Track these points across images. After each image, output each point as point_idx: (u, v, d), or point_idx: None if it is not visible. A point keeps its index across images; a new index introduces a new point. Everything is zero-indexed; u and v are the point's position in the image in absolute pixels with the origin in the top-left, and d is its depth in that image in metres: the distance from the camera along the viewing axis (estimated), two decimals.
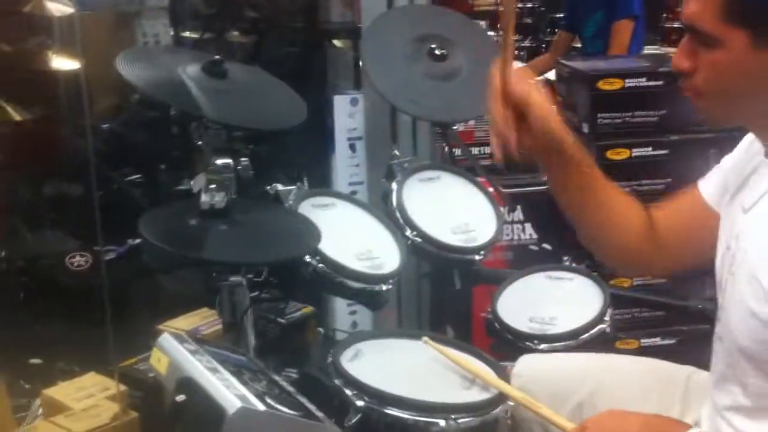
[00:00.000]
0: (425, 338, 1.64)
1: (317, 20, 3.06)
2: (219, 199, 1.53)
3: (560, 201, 1.39)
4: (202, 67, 1.65)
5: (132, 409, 1.64)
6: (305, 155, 2.64)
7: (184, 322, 1.81)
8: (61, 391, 1.77)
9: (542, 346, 1.84)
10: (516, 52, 4.60)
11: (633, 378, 1.46)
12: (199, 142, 1.66)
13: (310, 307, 2.01)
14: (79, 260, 2.34)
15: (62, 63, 2.56)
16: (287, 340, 1.90)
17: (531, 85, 1.29)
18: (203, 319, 1.76)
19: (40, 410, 1.80)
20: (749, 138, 1.27)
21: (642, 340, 2.44)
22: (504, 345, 1.92)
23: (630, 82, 2.55)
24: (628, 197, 1.43)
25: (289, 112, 1.75)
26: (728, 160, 1.34)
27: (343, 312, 2.45)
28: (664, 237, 1.39)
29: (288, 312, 1.94)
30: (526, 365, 1.54)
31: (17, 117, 2.48)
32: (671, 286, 2.41)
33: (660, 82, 2.55)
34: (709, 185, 1.36)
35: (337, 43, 3.02)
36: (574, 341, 1.85)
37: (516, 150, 1.25)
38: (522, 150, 1.26)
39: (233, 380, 1.26)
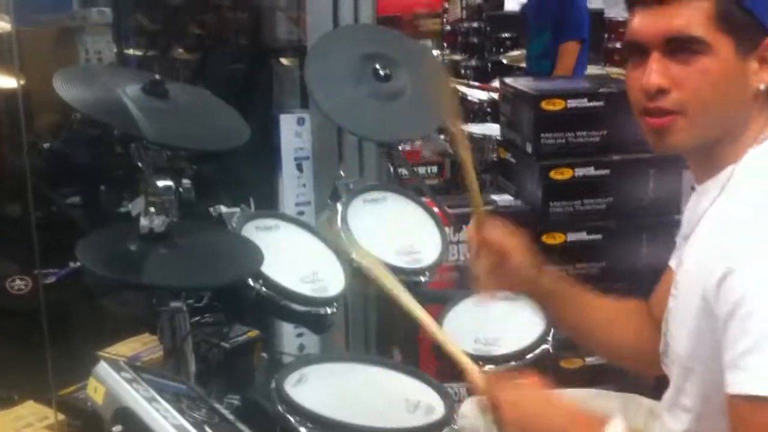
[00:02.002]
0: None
1: (264, 38, 3.05)
2: (158, 222, 1.50)
3: (559, 326, 1.55)
4: (142, 87, 1.62)
5: None
6: (251, 175, 2.62)
7: (125, 347, 1.77)
8: None
9: (487, 368, 1.85)
10: (463, 71, 4.67)
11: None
12: (140, 164, 1.63)
13: (255, 331, 1.99)
14: (19, 284, 2.27)
15: (1, 81, 2.50)
16: (231, 365, 1.87)
17: (505, 233, 1.39)
18: (144, 345, 1.73)
19: None
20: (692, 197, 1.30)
21: (586, 359, 2.47)
22: (450, 367, 1.93)
23: (572, 103, 2.60)
24: (621, 304, 1.47)
25: (231, 133, 1.73)
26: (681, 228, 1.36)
27: (290, 335, 2.43)
28: (659, 321, 1.38)
29: (232, 336, 1.91)
30: (470, 407, 1.55)
31: None
32: None
33: (601, 103, 2.60)
34: (673, 257, 1.37)
35: (283, 61, 3.01)
36: (519, 361, 1.86)
37: (496, 288, 1.40)
38: (508, 290, 1.42)
39: (171, 409, 1.24)
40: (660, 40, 1.12)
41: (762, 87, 1.13)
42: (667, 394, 1.27)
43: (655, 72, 1.12)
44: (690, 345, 1.14)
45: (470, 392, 1.28)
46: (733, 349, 1.02)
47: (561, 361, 2.36)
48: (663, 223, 2.48)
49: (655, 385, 1.39)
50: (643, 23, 1.14)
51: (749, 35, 1.11)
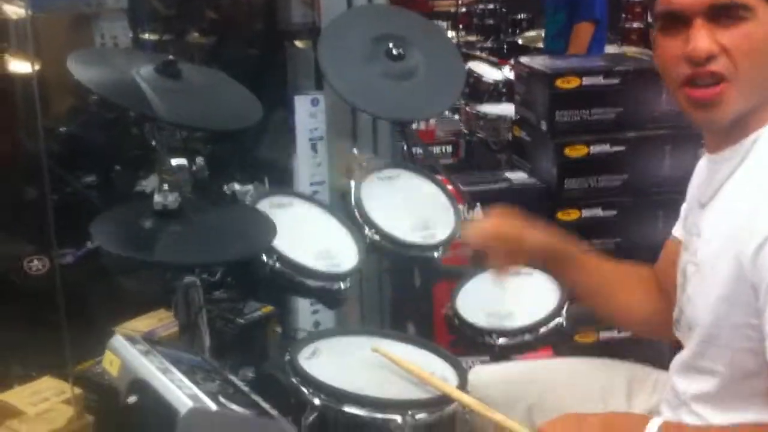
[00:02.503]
0: (374, 347, 1.64)
1: (278, 21, 3.05)
2: (172, 199, 1.52)
3: (572, 291, 1.60)
4: (155, 68, 1.63)
5: (88, 412, 1.63)
6: (267, 155, 2.64)
7: (141, 323, 1.80)
8: (15, 396, 1.75)
9: (501, 340, 1.85)
10: (478, 52, 4.65)
11: (579, 378, 1.50)
12: (154, 143, 1.65)
13: (270, 307, 2.01)
14: (36, 264, 2.31)
15: (18, 66, 2.53)
16: (245, 340, 1.89)
17: (499, 220, 1.48)
18: (160, 321, 1.75)
19: None
20: (697, 169, 1.32)
21: (600, 333, 2.48)
22: (464, 341, 1.94)
23: (587, 81, 2.59)
24: (631, 269, 1.51)
25: (244, 112, 1.74)
26: (686, 199, 1.37)
27: (305, 311, 2.45)
28: (667, 292, 1.41)
29: (247, 312, 1.93)
30: (478, 374, 1.58)
31: None
32: None
33: (616, 80, 2.59)
34: (677, 226, 1.40)
35: (298, 43, 3.02)
36: (532, 335, 1.87)
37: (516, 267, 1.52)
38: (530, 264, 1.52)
39: (185, 380, 1.26)
40: (704, 6, 1.11)
41: None
42: (680, 358, 1.27)
43: (700, 40, 1.10)
44: (717, 312, 1.14)
45: None
46: None
47: (575, 335, 2.37)
48: (678, 200, 2.45)
49: (669, 360, 1.39)
50: None
51: None
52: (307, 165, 2.60)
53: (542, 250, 1.47)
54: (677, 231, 1.39)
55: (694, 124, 1.19)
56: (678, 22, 1.13)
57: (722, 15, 1.11)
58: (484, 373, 1.58)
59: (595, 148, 2.58)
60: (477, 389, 1.52)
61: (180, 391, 1.21)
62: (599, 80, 2.61)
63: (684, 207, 1.38)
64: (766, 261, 1.03)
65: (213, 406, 1.21)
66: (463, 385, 1.55)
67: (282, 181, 2.55)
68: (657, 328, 1.42)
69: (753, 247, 1.05)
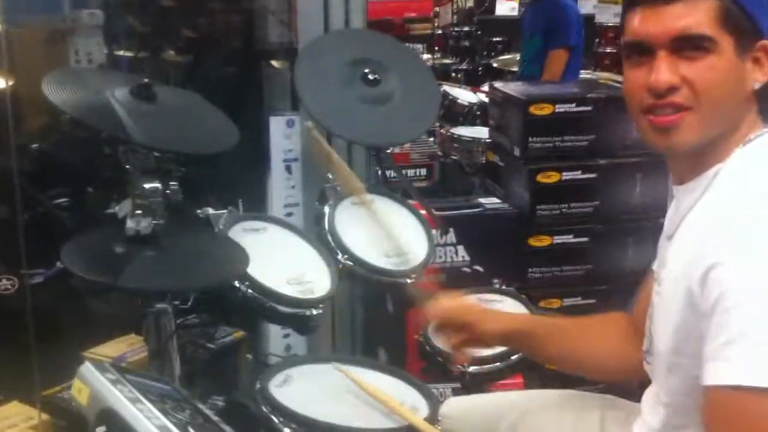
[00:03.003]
0: (335, 364, 1.65)
1: (254, 40, 3.05)
2: (145, 224, 1.51)
3: (543, 362, 1.62)
4: (130, 91, 1.63)
5: None
6: (241, 177, 2.62)
7: (111, 348, 1.77)
8: None
9: (472, 368, 1.87)
10: (453, 74, 4.68)
11: (552, 410, 1.51)
12: (127, 166, 1.63)
13: (240, 332, 1.99)
14: (5, 284, 2.27)
15: None
16: (216, 366, 1.88)
17: (458, 303, 1.52)
18: (130, 346, 1.73)
19: None
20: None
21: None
22: (436, 368, 1.95)
23: (560, 108, 2.62)
24: (597, 320, 1.53)
25: (220, 136, 1.74)
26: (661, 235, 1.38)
27: (276, 336, 2.43)
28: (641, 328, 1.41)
29: (218, 337, 1.92)
30: (450, 406, 1.59)
31: None
32: (601, 306, 2.47)
33: (589, 108, 2.63)
34: (654, 263, 1.39)
35: (274, 63, 3.01)
36: (503, 363, 1.88)
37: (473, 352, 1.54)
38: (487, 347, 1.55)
39: (154, 410, 1.24)
40: (667, 38, 1.13)
41: (756, 86, 1.15)
42: (649, 391, 1.29)
43: (662, 71, 1.13)
44: (674, 340, 1.15)
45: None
46: (715, 341, 1.04)
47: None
48: (649, 227, 2.51)
49: (638, 386, 1.40)
50: (648, 22, 1.15)
51: (746, 36, 1.14)
52: (282, 187, 2.59)
53: (501, 334, 1.50)
54: (655, 265, 1.41)
55: (654, 151, 1.21)
56: (643, 52, 1.16)
57: (685, 47, 1.13)
58: (456, 404, 1.59)
59: (567, 175, 2.60)
60: (450, 421, 1.53)
61: (149, 421, 1.20)
62: (572, 107, 2.64)
63: (660, 240, 1.40)
64: (710, 287, 1.05)
65: None
66: (433, 415, 1.56)
67: (256, 203, 2.53)
68: (634, 372, 1.40)
69: (699, 274, 1.07)
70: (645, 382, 1.34)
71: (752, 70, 1.15)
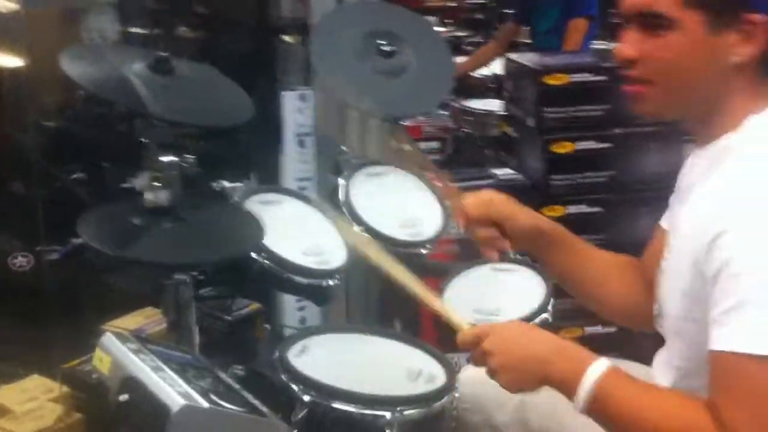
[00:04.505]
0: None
1: (267, 15, 3.05)
2: (163, 196, 1.52)
3: (556, 276, 1.58)
4: (147, 64, 1.63)
5: (76, 410, 1.63)
6: (255, 152, 2.64)
7: (129, 321, 1.79)
8: (3, 394, 1.75)
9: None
10: (467, 47, 4.66)
11: None
12: (144, 140, 1.64)
13: (257, 304, 2.01)
14: (21, 261, 2.30)
15: (7, 60, 2.52)
16: (234, 338, 1.90)
17: (488, 199, 1.48)
18: (148, 318, 1.75)
19: None
20: (688, 159, 1.33)
21: (586, 329, 2.50)
22: (451, 337, 1.96)
23: (575, 77, 2.61)
24: (615, 258, 1.53)
25: (236, 109, 1.74)
26: (675, 188, 1.39)
27: (291, 308, 2.46)
28: (651, 280, 1.42)
29: (235, 309, 1.94)
30: (471, 371, 1.57)
31: None
32: None
33: (604, 77, 2.61)
34: (665, 216, 1.42)
35: (287, 38, 3.01)
36: None
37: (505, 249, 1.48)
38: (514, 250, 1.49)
39: (177, 378, 1.26)
40: (633, 14, 1.17)
41: (737, 60, 1.15)
42: (660, 354, 1.30)
43: (624, 44, 1.19)
44: (682, 306, 1.17)
45: (462, 349, 1.30)
46: (718, 306, 1.06)
47: (561, 330, 2.39)
48: (664, 196, 2.48)
49: (652, 356, 1.41)
50: None
51: (725, 9, 1.13)
52: (295, 161, 2.61)
53: (531, 230, 1.47)
54: (664, 221, 1.41)
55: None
56: (626, 24, 1.20)
57: (647, 24, 1.16)
58: (475, 372, 1.58)
59: (581, 145, 2.60)
60: (469, 387, 1.54)
61: (171, 388, 1.22)
62: (587, 77, 2.62)
63: (672, 198, 1.40)
64: (716, 253, 1.07)
65: (204, 404, 1.21)
66: (451, 383, 1.57)
67: (269, 178, 2.55)
68: (638, 320, 1.44)
69: (707, 240, 1.08)
70: (656, 343, 1.35)
71: (736, 42, 1.14)
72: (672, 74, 1.16)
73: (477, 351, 1.23)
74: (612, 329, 2.54)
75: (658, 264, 1.34)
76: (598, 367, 1.13)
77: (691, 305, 1.14)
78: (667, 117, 1.26)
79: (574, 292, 1.54)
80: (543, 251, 1.50)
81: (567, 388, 1.15)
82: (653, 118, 1.27)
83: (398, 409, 1.49)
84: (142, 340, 1.38)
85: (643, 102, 1.20)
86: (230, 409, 1.27)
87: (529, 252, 1.58)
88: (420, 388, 1.56)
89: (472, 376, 1.55)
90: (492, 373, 1.22)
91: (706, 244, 1.08)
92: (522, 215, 1.48)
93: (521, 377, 1.19)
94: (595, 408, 1.12)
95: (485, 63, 4.06)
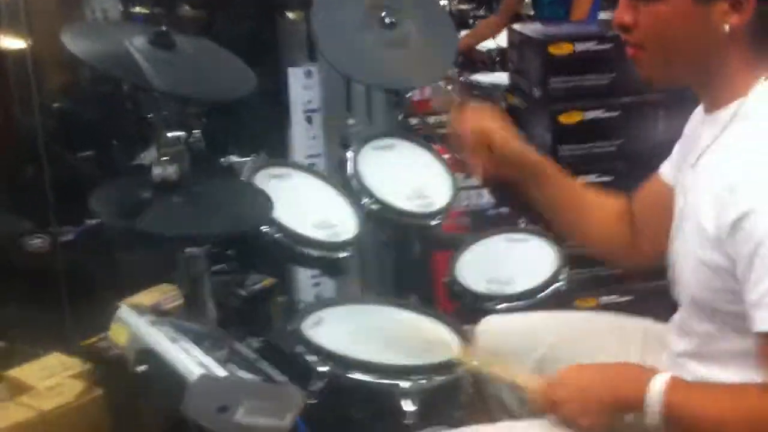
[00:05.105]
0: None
1: None
2: (171, 171, 1.52)
3: (538, 208, 1.53)
4: (149, 39, 1.63)
5: (96, 385, 1.64)
6: (262, 129, 2.63)
7: (146, 297, 1.80)
8: (24, 372, 1.76)
9: (501, 307, 1.88)
10: (471, 21, 4.62)
11: (592, 332, 1.49)
12: (150, 116, 1.64)
13: (271, 279, 2.01)
14: (36, 242, 2.31)
15: (10, 42, 2.51)
16: (249, 312, 1.91)
17: (484, 115, 1.44)
18: (164, 294, 1.76)
19: (5, 392, 1.78)
20: (694, 115, 1.33)
21: (601, 298, 2.50)
22: (465, 308, 1.96)
23: (580, 46, 2.58)
24: (598, 193, 1.53)
25: (238, 83, 1.74)
26: (680, 141, 1.39)
27: (306, 283, 2.46)
28: (639, 224, 1.45)
29: (249, 284, 1.94)
30: (489, 324, 1.57)
31: None
32: None
33: (610, 45, 2.58)
34: (666, 165, 1.41)
35: (290, 15, 2.99)
36: (532, 300, 1.89)
37: (487, 173, 1.43)
38: (493, 172, 1.43)
39: (194, 349, 1.27)
40: None
41: (726, 28, 1.14)
42: (676, 317, 1.30)
43: (619, 10, 1.20)
44: (699, 275, 1.16)
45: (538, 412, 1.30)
46: (757, 289, 1.06)
47: (576, 300, 2.39)
48: None
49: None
50: None
51: None
52: (303, 138, 2.60)
53: (519, 156, 1.45)
54: (664, 169, 1.41)
55: None
56: None
57: None
58: (494, 322, 1.57)
59: (589, 114, 2.57)
60: (487, 337, 1.52)
61: (189, 358, 1.23)
62: (592, 46, 2.60)
63: (676, 148, 1.39)
64: (746, 234, 1.06)
65: (222, 373, 1.22)
66: (465, 347, 1.57)
67: (278, 155, 2.54)
68: (621, 255, 1.49)
69: (732, 218, 1.07)
70: (671, 312, 1.34)
71: (727, 11, 1.13)
72: (662, 42, 1.17)
73: (550, 406, 1.24)
74: (627, 298, 2.53)
75: (651, 213, 1.38)
76: (660, 380, 1.16)
77: (712, 276, 1.14)
78: (663, 84, 1.27)
79: (556, 222, 1.54)
80: (530, 180, 1.48)
81: (637, 407, 1.17)
82: (655, 87, 1.27)
83: (415, 378, 1.49)
84: (158, 312, 1.38)
85: (640, 67, 1.22)
86: (247, 377, 1.28)
87: (514, 179, 1.53)
88: (437, 357, 1.56)
89: (492, 328, 1.54)
90: (571, 421, 1.22)
91: (729, 223, 1.08)
92: (513, 142, 1.45)
93: (596, 415, 1.20)
94: (668, 418, 1.14)
95: (489, 36, 4.03)
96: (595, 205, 1.50)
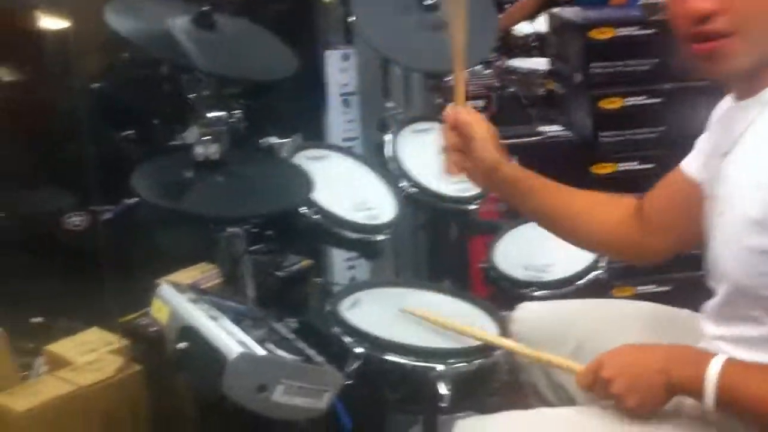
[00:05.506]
0: (403, 309, 1.63)
1: None
2: (213, 150, 1.52)
3: (526, 215, 1.54)
4: (191, 19, 1.63)
5: (135, 362, 1.66)
6: (299, 112, 2.63)
7: (185, 276, 1.80)
8: (64, 347, 1.78)
9: (538, 293, 1.86)
10: (508, 5, 4.58)
11: (631, 320, 1.47)
12: (191, 95, 1.65)
13: (308, 260, 2.02)
14: (76, 220, 2.34)
15: (50, 22, 2.53)
16: (285, 293, 1.91)
17: (476, 117, 1.39)
18: (203, 273, 1.77)
19: (44, 366, 1.81)
20: (719, 106, 1.29)
21: (638, 288, 2.47)
22: (501, 294, 1.95)
23: (622, 31, 2.55)
24: (594, 196, 1.48)
25: (279, 64, 1.73)
26: (702, 137, 1.36)
27: (341, 266, 2.47)
28: (652, 221, 1.40)
29: (286, 265, 1.95)
30: (526, 311, 1.56)
31: (7, 78, 2.47)
32: None
33: (652, 31, 2.54)
34: (689, 159, 1.38)
35: None
36: (570, 287, 1.87)
37: (459, 169, 1.39)
38: (465, 171, 1.40)
39: (233, 327, 1.27)
40: None
41: None
42: (711, 303, 1.26)
43: None
44: (746, 262, 1.13)
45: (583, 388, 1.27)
46: None
47: (612, 289, 2.36)
48: None
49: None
50: None
51: None
52: (340, 121, 2.59)
53: (494, 164, 1.38)
54: (689, 165, 1.38)
55: (704, 76, 1.16)
56: None
57: None
58: (531, 308, 1.55)
59: (630, 100, 2.54)
60: (523, 323, 1.51)
61: (228, 337, 1.23)
62: (634, 30, 2.56)
63: (700, 145, 1.36)
64: None
65: (261, 352, 1.22)
66: (503, 334, 1.56)
67: (315, 138, 2.54)
68: (623, 252, 1.46)
69: None
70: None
71: None
72: (758, 19, 1.08)
73: (598, 383, 1.21)
74: (665, 288, 2.50)
75: (667, 208, 1.36)
76: (717, 362, 1.13)
77: (760, 260, 1.10)
78: (743, 71, 1.13)
79: (551, 229, 1.49)
80: (506, 188, 1.43)
81: (692, 391, 1.14)
82: (723, 77, 1.16)
83: (450, 361, 1.49)
84: (198, 290, 1.39)
85: (724, 57, 1.11)
86: (286, 357, 1.28)
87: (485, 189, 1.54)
88: (472, 340, 1.55)
89: (529, 314, 1.53)
90: (619, 400, 1.19)
91: None
92: (492, 149, 1.38)
93: (646, 394, 1.18)
94: (725, 402, 1.12)
95: (523, 18, 3.98)
96: (592, 210, 1.45)
